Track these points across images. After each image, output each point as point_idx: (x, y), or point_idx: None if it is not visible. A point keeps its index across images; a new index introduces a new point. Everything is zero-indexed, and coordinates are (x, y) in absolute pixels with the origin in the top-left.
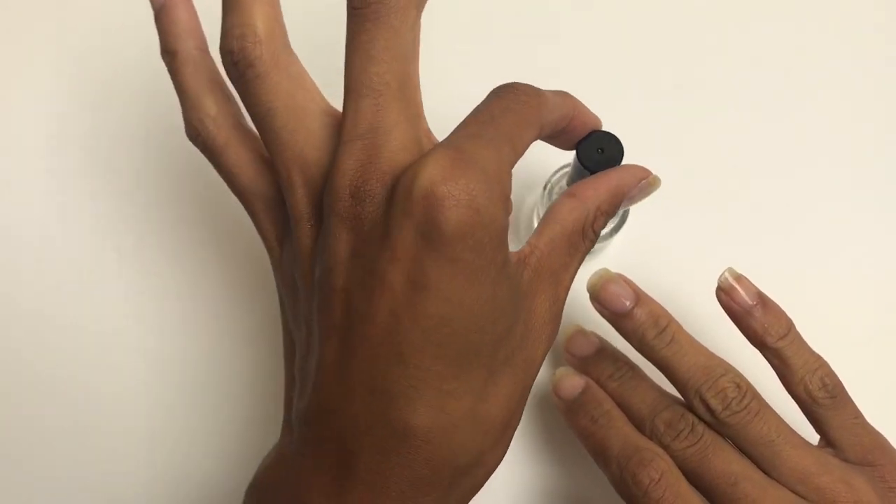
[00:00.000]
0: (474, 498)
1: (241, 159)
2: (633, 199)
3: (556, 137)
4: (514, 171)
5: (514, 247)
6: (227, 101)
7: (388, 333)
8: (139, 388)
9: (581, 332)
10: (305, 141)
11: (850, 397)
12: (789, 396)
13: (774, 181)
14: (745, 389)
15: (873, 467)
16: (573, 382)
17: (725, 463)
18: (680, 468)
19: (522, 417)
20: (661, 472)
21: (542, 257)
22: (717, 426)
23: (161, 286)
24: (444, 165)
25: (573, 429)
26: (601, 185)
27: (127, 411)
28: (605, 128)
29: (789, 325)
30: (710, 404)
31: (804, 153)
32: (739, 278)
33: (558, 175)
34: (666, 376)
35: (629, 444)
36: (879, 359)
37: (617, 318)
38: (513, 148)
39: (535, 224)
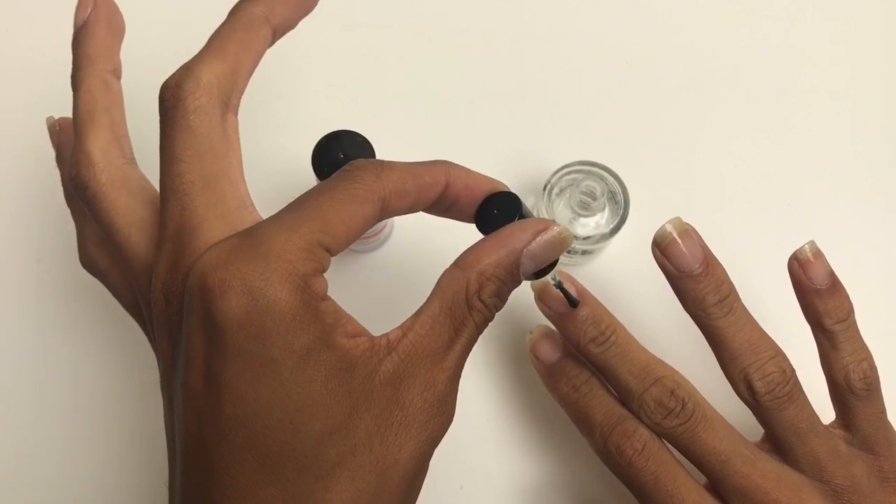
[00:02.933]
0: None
1: (120, 282)
2: (538, 255)
3: (447, 210)
4: (514, 171)
5: None
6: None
7: (199, 441)
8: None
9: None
10: (149, 251)
11: (881, 392)
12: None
13: (775, 182)
14: (789, 376)
15: (875, 456)
16: (553, 344)
17: (715, 440)
18: (670, 444)
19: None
20: (644, 441)
21: (417, 339)
22: (753, 405)
23: None
24: (221, 253)
25: (553, 394)
26: (484, 248)
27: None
28: (595, 135)
29: (850, 311)
30: (754, 386)
31: (805, 154)
32: (818, 254)
33: (558, 175)
34: (713, 346)
35: (612, 413)
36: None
37: (680, 278)
38: (321, 226)
39: None
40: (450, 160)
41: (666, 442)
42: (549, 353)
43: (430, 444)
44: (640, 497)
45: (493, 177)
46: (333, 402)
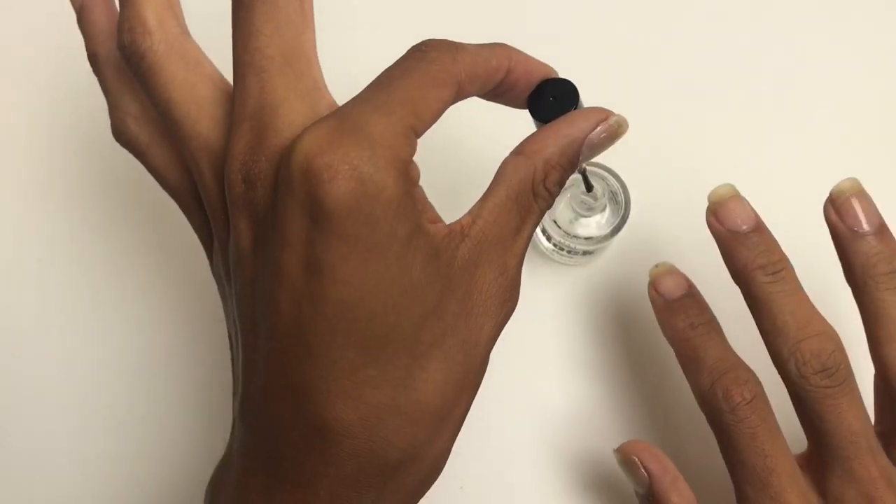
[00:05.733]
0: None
1: (164, 158)
2: (596, 146)
3: (501, 95)
4: (495, 133)
5: None
6: None
7: (294, 325)
8: (127, 384)
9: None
10: (210, 129)
11: None
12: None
13: (776, 182)
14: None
15: None
16: (678, 281)
17: (853, 418)
18: (801, 405)
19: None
20: (754, 394)
21: (486, 226)
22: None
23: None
24: (322, 136)
25: (665, 328)
26: (549, 137)
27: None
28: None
29: None
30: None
31: (807, 154)
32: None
33: None
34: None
35: (726, 358)
36: None
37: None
38: (412, 110)
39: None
40: (508, 44)
41: (803, 402)
42: (673, 288)
43: (502, 326)
44: (728, 449)
45: (494, 165)
46: (428, 286)
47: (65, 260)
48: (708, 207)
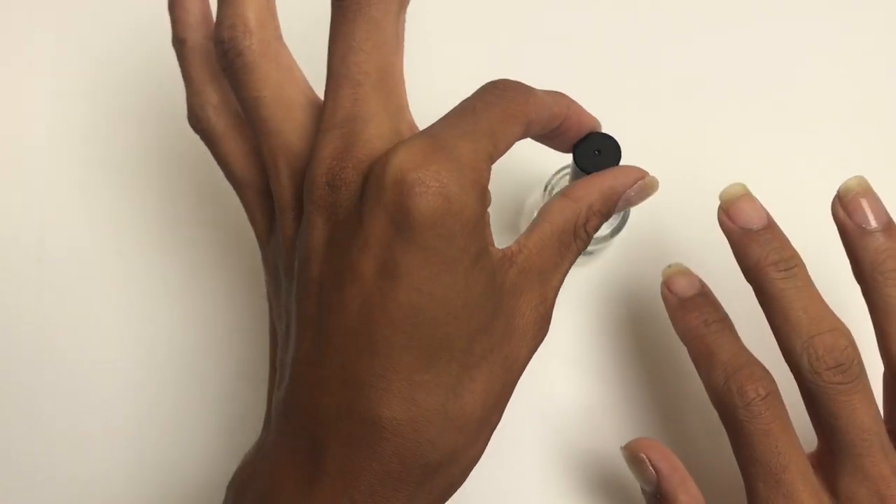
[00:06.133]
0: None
1: (237, 149)
2: (631, 200)
3: (552, 139)
4: (513, 171)
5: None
6: (231, 93)
7: (360, 323)
8: (131, 385)
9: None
10: (292, 131)
11: None
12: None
13: (777, 182)
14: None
15: None
16: (691, 280)
17: (866, 416)
18: (813, 401)
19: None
20: (769, 390)
21: (531, 256)
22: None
23: (160, 282)
24: (416, 153)
25: (678, 326)
26: (594, 186)
27: (118, 408)
28: (605, 130)
29: None
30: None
31: (808, 153)
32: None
33: (559, 176)
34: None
35: (740, 355)
36: None
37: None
38: (492, 141)
39: None
40: (568, 94)
41: (815, 399)
42: (686, 287)
43: (534, 352)
44: (741, 445)
45: (498, 175)
46: (486, 303)
47: (66, 259)
48: (720, 206)
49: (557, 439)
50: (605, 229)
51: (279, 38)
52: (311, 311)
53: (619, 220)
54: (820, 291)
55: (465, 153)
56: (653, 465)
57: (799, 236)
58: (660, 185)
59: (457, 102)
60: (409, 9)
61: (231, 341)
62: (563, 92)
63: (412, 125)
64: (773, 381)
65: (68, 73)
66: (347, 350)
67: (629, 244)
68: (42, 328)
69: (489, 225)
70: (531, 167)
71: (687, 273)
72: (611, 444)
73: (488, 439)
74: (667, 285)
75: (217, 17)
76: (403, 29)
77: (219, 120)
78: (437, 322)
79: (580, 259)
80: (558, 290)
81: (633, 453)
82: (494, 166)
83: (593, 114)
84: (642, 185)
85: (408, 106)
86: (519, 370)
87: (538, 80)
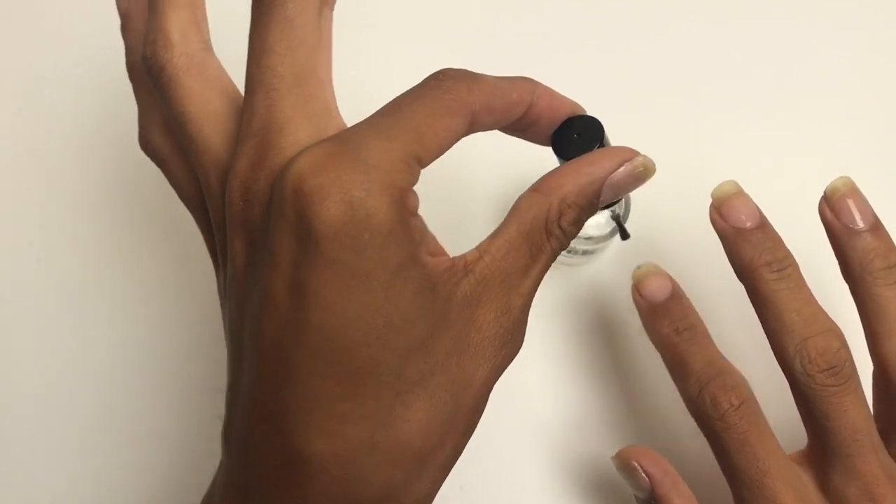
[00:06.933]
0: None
1: (183, 169)
2: (619, 187)
3: (523, 130)
4: (515, 171)
5: None
6: None
7: (276, 350)
8: (131, 385)
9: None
10: (221, 145)
11: None
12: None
13: (776, 181)
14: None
15: None
16: (661, 284)
17: (858, 417)
18: (805, 402)
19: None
20: (742, 399)
21: (494, 262)
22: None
23: (157, 288)
24: (318, 157)
25: (650, 334)
26: (568, 175)
27: (118, 408)
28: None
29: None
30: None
31: (807, 153)
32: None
33: None
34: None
35: (713, 364)
36: None
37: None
38: (417, 138)
39: None
40: (534, 78)
41: (807, 400)
42: (656, 292)
43: (500, 370)
44: (721, 455)
45: (496, 176)
46: (418, 320)
47: (65, 260)
48: (711, 204)
49: (559, 439)
50: (604, 228)
51: (206, 49)
52: (237, 339)
53: (621, 210)
54: (814, 288)
55: (375, 153)
56: (645, 471)
57: (797, 233)
58: (656, 169)
59: None
60: (368, 7)
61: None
62: (529, 76)
63: (341, 128)
64: (746, 388)
65: (67, 74)
66: (268, 380)
67: (630, 243)
68: (42, 328)
69: (423, 231)
70: (530, 168)
71: (657, 274)
72: (615, 440)
73: (440, 475)
74: (637, 289)
75: (144, 34)
76: (329, 27)
77: (164, 142)
78: (355, 344)
79: (581, 259)
80: (529, 296)
81: (624, 461)
82: (493, 168)
83: (598, 113)
84: (631, 169)
85: (336, 109)
86: (475, 394)
87: (542, 78)
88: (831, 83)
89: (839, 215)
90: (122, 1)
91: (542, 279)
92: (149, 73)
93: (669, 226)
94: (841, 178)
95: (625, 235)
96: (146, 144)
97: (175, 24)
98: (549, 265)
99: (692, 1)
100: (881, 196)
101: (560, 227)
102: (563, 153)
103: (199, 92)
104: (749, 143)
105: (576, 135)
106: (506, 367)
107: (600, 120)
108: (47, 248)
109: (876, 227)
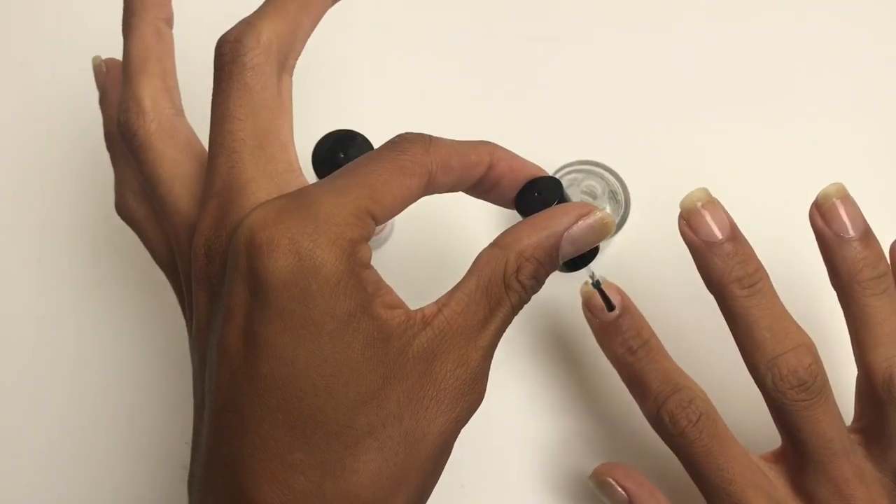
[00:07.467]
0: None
1: (156, 232)
2: (578, 241)
3: (487, 192)
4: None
5: None
6: None
7: (231, 400)
8: (132, 385)
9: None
10: (190, 206)
11: None
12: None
13: (775, 181)
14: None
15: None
16: (611, 298)
17: (830, 427)
18: (778, 413)
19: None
20: (699, 412)
21: (452, 315)
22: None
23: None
24: (269, 212)
25: (605, 352)
26: (525, 228)
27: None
28: (596, 132)
29: (887, 270)
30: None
31: (806, 153)
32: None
33: (559, 175)
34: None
35: (668, 381)
36: None
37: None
38: (370, 193)
39: None
40: (494, 142)
41: (780, 412)
42: (604, 306)
43: (459, 422)
44: (689, 468)
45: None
46: (368, 371)
47: (65, 260)
48: (680, 214)
49: (558, 439)
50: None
51: (177, 114)
52: (199, 391)
53: (618, 218)
54: (802, 290)
55: (326, 208)
56: (620, 486)
57: (785, 237)
58: (615, 225)
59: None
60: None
61: None
62: (490, 140)
63: (305, 185)
64: (703, 401)
65: (68, 72)
66: (224, 429)
67: (629, 243)
68: (42, 328)
69: (378, 283)
70: None
71: (608, 287)
72: (615, 440)
73: None
74: (586, 306)
75: (118, 102)
76: (289, 90)
77: (139, 206)
78: (303, 393)
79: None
80: (489, 349)
81: (599, 479)
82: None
83: (596, 115)
84: (590, 222)
85: (299, 169)
86: (430, 445)
87: (543, 79)
88: (825, 91)
89: (830, 223)
90: (100, 75)
91: (503, 332)
92: (123, 138)
93: (670, 225)
94: (833, 184)
95: (609, 306)
96: (122, 209)
97: (147, 91)
98: (511, 318)
99: (684, 6)
100: (873, 202)
101: (518, 280)
102: (525, 212)
103: (169, 156)
104: (751, 144)
105: (536, 193)
106: (467, 418)
107: (560, 181)
108: (48, 249)
109: (866, 235)
